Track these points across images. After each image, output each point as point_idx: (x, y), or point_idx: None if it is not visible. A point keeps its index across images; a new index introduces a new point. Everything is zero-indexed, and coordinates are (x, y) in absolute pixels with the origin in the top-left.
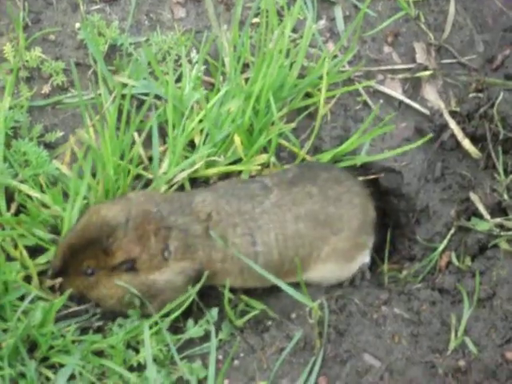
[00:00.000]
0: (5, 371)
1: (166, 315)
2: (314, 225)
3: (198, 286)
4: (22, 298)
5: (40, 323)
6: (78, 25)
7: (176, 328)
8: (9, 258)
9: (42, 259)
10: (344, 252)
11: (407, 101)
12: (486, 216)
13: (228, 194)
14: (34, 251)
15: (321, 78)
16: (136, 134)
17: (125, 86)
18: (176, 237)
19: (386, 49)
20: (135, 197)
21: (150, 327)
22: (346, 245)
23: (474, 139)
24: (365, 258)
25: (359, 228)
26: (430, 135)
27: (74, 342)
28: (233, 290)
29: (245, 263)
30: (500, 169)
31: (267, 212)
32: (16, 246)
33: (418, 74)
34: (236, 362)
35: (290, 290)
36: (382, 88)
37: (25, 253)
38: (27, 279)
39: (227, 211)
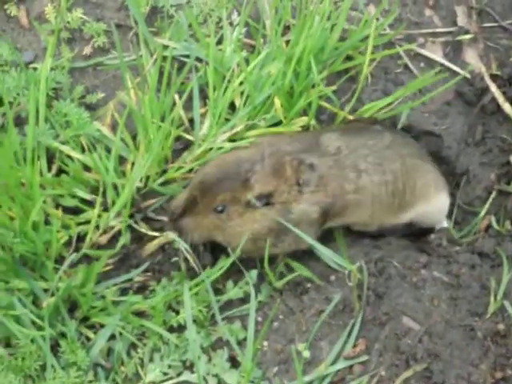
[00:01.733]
0: (45, 331)
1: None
2: (424, 163)
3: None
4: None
5: (81, 284)
6: None
7: (215, 289)
8: (47, 220)
9: (81, 219)
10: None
11: (448, 64)
12: None
13: (351, 133)
14: (73, 213)
15: (362, 40)
16: (176, 96)
17: (166, 47)
18: (309, 169)
19: (427, 12)
20: (265, 139)
21: (190, 288)
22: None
23: None
24: (444, 221)
25: (434, 175)
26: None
27: (114, 302)
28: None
29: (376, 193)
30: None
31: (389, 147)
32: (57, 207)
33: (458, 38)
34: (275, 324)
35: (330, 253)
36: (422, 51)
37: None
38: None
39: (355, 145)
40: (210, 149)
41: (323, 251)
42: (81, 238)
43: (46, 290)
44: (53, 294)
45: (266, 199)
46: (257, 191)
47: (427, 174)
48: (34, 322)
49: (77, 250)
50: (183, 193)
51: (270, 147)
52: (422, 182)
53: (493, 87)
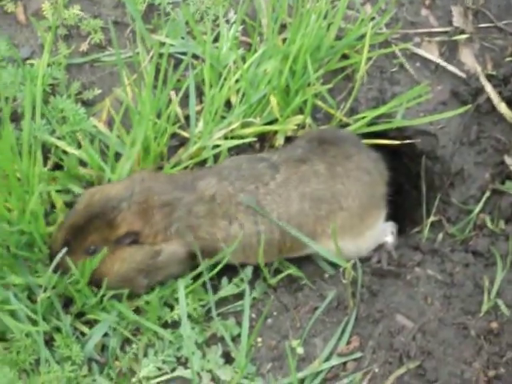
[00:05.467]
0: (39, 326)
1: (199, 275)
2: (319, 203)
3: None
4: None
5: (76, 279)
6: None
7: (210, 286)
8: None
9: None
10: (350, 229)
11: (444, 64)
12: None
13: (232, 176)
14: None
15: (358, 39)
16: (173, 93)
17: (162, 44)
18: (179, 215)
19: (424, 11)
20: (139, 176)
21: (186, 286)
22: (352, 222)
23: (510, 103)
24: (386, 237)
25: (367, 205)
26: (469, 106)
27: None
28: None
29: (247, 241)
30: None
31: (271, 192)
32: (52, 203)
33: (454, 38)
34: (269, 321)
35: (324, 252)
36: (418, 51)
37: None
38: None
39: (230, 192)
40: (205, 146)
41: (319, 250)
42: None
43: (41, 285)
44: (46, 289)
45: (134, 237)
46: (122, 230)
47: (322, 220)
48: (29, 317)
49: None
50: (60, 231)
51: (141, 184)
52: (311, 229)
53: (488, 87)
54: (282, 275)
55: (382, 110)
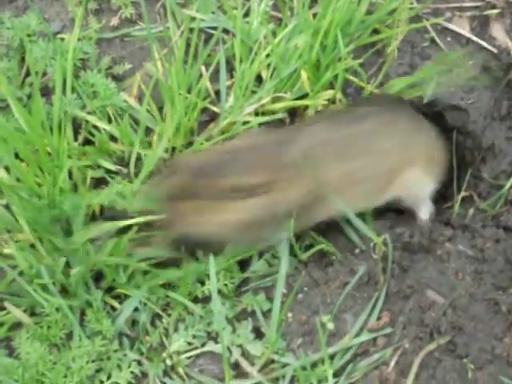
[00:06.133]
0: (71, 301)
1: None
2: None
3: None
4: None
5: (108, 255)
6: None
7: (241, 261)
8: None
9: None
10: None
11: (475, 39)
12: None
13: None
14: (100, 183)
15: (389, 14)
16: (203, 68)
17: (193, 19)
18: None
19: None
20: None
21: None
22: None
23: None
24: (422, 216)
25: None
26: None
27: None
28: None
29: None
30: None
31: (366, 135)
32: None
33: (486, 12)
34: (300, 296)
35: (358, 222)
36: (449, 25)
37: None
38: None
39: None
40: (236, 121)
41: (352, 219)
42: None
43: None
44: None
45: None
46: (258, 180)
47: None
48: (59, 291)
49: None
50: (170, 178)
51: (277, 136)
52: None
53: None
54: (313, 250)
55: (416, 77)
